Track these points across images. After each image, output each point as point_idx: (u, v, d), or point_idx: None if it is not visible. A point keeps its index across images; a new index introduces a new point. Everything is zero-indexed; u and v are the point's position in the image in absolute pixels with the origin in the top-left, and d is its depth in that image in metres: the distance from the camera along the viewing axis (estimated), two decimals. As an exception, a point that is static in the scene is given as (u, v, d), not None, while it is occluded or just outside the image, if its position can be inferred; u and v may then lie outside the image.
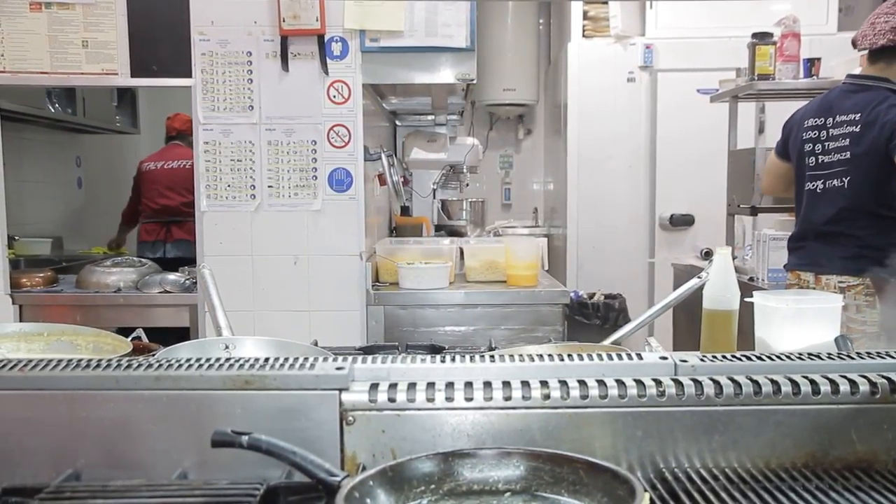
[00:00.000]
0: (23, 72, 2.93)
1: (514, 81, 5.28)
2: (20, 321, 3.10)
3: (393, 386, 1.07)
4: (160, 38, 2.95)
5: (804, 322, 1.51)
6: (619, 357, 1.14)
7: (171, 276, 3.30)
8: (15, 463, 1.06)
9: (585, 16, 4.94)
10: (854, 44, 2.68)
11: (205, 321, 2.99)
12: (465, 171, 4.66)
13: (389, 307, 3.06)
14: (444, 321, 3.05)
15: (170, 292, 3.23)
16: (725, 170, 3.90)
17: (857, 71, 2.77)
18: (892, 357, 1.15)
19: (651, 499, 0.97)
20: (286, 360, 1.13)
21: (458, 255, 3.44)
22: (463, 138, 4.70)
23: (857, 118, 2.59)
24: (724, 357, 1.15)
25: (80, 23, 2.91)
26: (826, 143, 2.69)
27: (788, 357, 1.16)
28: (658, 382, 1.07)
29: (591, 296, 4.41)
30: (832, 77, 3.35)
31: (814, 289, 2.65)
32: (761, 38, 3.50)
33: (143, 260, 3.60)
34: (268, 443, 0.96)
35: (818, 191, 2.70)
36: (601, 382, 1.07)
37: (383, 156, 3.33)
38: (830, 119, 2.67)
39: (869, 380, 1.08)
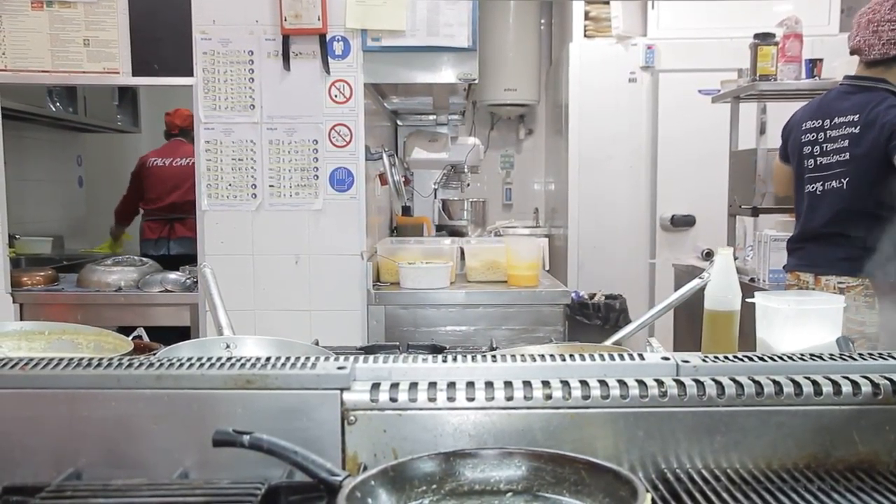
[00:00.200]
0: (24, 70, 2.93)
1: (516, 81, 5.28)
2: (21, 320, 3.10)
3: (394, 386, 1.07)
4: (162, 36, 2.95)
5: (806, 323, 1.50)
6: (621, 357, 1.14)
7: (172, 276, 3.30)
8: (16, 462, 1.06)
9: (587, 16, 4.94)
10: (857, 52, 2.65)
11: (206, 320, 2.99)
12: (466, 170, 4.66)
13: (390, 307, 3.06)
14: (444, 321, 3.05)
15: (171, 291, 3.23)
16: (727, 170, 3.91)
17: (854, 72, 2.75)
18: (895, 358, 1.15)
19: (653, 499, 0.97)
20: (287, 359, 1.13)
21: (459, 255, 3.44)
22: (464, 138, 4.70)
23: (855, 119, 2.58)
24: (726, 358, 1.15)
25: (82, 21, 2.91)
26: (824, 145, 2.69)
27: (790, 358, 1.16)
28: (660, 383, 1.07)
29: (592, 296, 4.41)
30: (834, 78, 3.34)
31: (813, 290, 2.65)
32: (763, 38, 3.50)
33: (143, 259, 3.60)
34: (269, 442, 0.96)
35: (818, 192, 2.70)
36: (603, 383, 1.07)
37: (384, 155, 3.33)
38: (828, 121, 2.67)
39: (871, 381, 1.08)
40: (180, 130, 4.60)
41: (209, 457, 1.03)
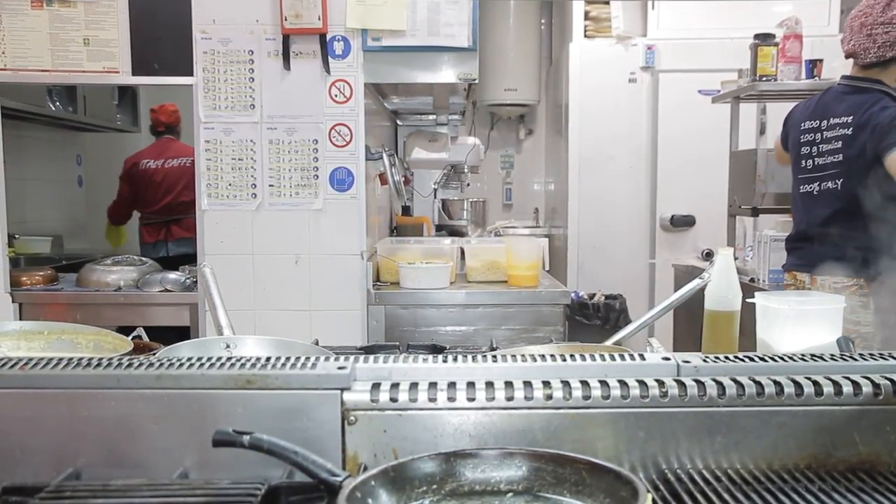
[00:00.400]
0: (24, 69, 2.93)
1: (516, 81, 5.28)
2: (20, 319, 3.10)
3: (395, 386, 1.07)
4: (162, 36, 2.95)
5: (806, 323, 1.50)
6: (622, 357, 1.14)
7: (172, 275, 3.29)
8: (15, 462, 1.06)
9: (587, 16, 4.94)
10: (852, 56, 2.66)
11: (205, 320, 2.99)
12: (466, 170, 4.66)
13: (390, 307, 3.06)
14: (444, 321, 3.05)
15: (170, 291, 3.23)
16: (727, 171, 3.90)
17: (850, 72, 2.76)
18: (895, 358, 1.15)
19: (653, 500, 0.97)
20: (288, 359, 1.12)
21: (459, 255, 3.44)
22: (464, 138, 4.70)
23: (849, 121, 2.59)
24: (726, 358, 1.15)
25: (82, 20, 2.91)
26: (820, 146, 2.70)
27: (791, 358, 1.16)
28: (661, 383, 1.07)
29: (592, 296, 4.41)
30: (834, 78, 3.34)
31: (809, 289, 2.66)
32: (763, 39, 3.50)
33: (143, 259, 3.60)
34: (269, 442, 0.96)
35: (814, 193, 2.72)
36: (604, 383, 1.07)
37: (384, 155, 3.33)
38: (825, 122, 2.68)
39: (872, 381, 1.07)
40: (166, 127, 4.56)
41: (209, 457, 1.03)
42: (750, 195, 3.56)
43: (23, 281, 3.26)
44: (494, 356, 1.17)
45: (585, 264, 4.93)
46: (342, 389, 1.06)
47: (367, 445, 1.05)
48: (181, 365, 1.10)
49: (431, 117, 4.88)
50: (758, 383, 1.07)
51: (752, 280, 3.41)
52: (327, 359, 1.13)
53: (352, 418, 1.05)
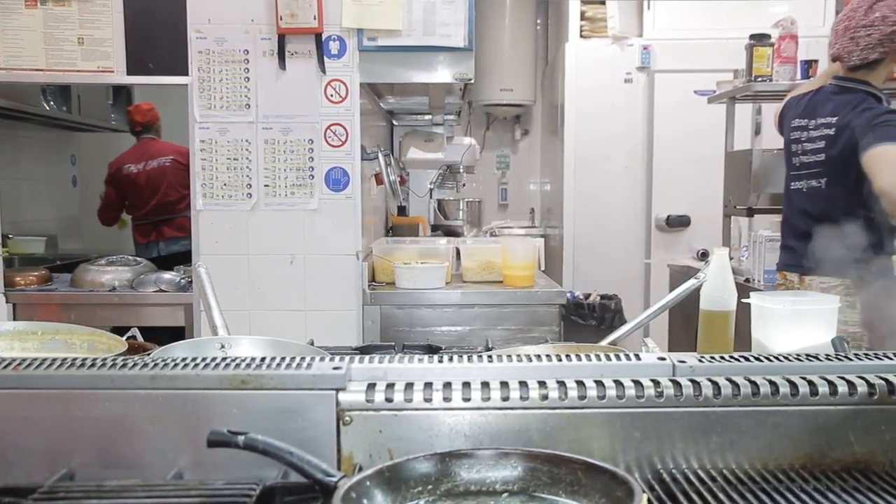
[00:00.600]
0: (18, 69, 2.92)
1: (512, 82, 5.28)
2: (14, 320, 3.09)
3: (390, 386, 1.07)
4: (156, 35, 2.94)
5: (801, 323, 1.51)
6: (617, 357, 1.14)
7: (167, 275, 3.29)
8: (9, 462, 1.06)
9: (583, 16, 4.94)
10: (837, 59, 2.68)
11: (200, 320, 2.98)
12: (461, 171, 4.66)
13: (386, 307, 3.06)
14: (440, 321, 3.05)
15: (165, 291, 3.22)
16: (722, 171, 3.91)
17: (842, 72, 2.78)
18: (890, 358, 1.15)
19: (649, 500, 0.96)
20: (283, 359, 1.12)
21: (455, 255, 3.43)
22: (460, 138, 4.70)
23: (833, 121, 2.62)
24: (721, 358, 1.15)
25: (76, 20, 2.90)
26: (806, 145, 2.73)
27: (786, 358, 1.16)
28: (656, 383, 1.07)
29: (587, 296, 4.40)
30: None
31: (798, 289, 2.68)
32: (759, 39, 3.50)
33: (138, 259, 3.59)
34: (264, 443, 0.96)
35: (803, 190, 2.75)
36: (599, 383, 1.07)
37: (380, 155, 3.32)
38: (812, 121, 2.71)
39: (867, 381, 1.08)
40: (143, 127, 4.53)
41: (204, 457, 1.03)
42: (745, 195, 3.56)
43: (17, 281, 3.25)
44: (490, 356, 1.17)
45: (581, 264, 4.94)
46: (337, 390, 1.06)
47: (363, 446, 1.05)
48: (176, 365, 1.09)
49: (427, 117, 4.87)
50: (753, 383, 1.07)
51: (747, 280, 3.42)
52: (322, 359, 1.12)
53: (347, 418, 1.05)
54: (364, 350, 1.79)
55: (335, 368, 1.08)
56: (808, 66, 3.48)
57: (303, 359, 1.12)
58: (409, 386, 1.07)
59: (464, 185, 5.26)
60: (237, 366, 1.09)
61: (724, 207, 3.85)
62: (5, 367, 1.09)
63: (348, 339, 2.98)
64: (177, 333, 3.06)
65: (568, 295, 4.17)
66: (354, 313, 3.04)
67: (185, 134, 3.02)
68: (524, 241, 3.71)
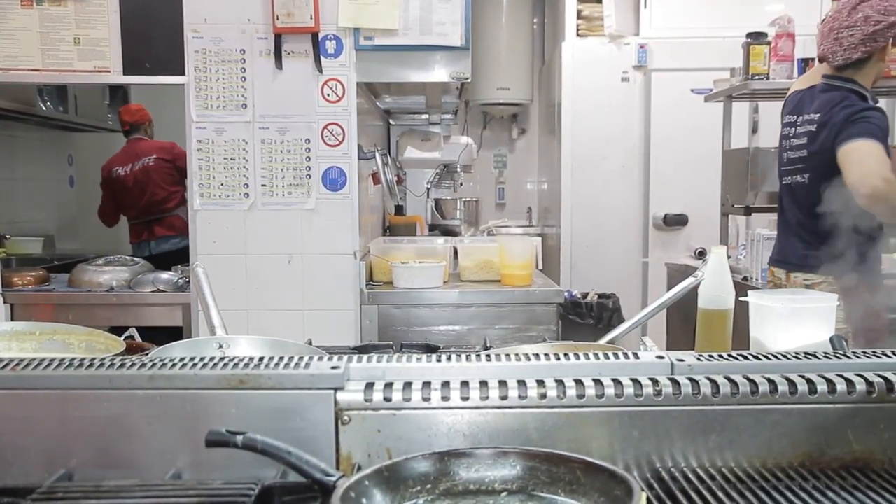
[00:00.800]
0: (14, 69, 2.91)
1: (509, 81, 5.28)
2: (12, 320, 3.09)
3: (388, 385, 1.07)
4: (153, 35, 2.93)
5: (799, 321, 1.51)
6: (616, 356, 1.14)
7: (164, 275, 3.28)
8: (7, 463, 1.05)
9: (580, 15, 4.94)
10: (823, 60, 2.70)
11: (198, 320, 2.98)
12: (459, 170, 4.66)
13: (383, 306, 3.06)
14: (438, 320, 3.05)
15: (163, 291, 3.22)
16: (719, 169, 3.91)
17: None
18: (889, 356, 1.15)
19: (648, 498, 0.96)
20: (281, 359, 1.12)
21: (453, 255, 3.43)
22: (457, 137, 4.70)
23: (816, 118, 2.64)
24: (720, 356, 1.15)
25: (72, 20, 2.90)
26: (792, 140, 2.77)
27: (785, 356, 1.16)
28: (655, 382, 1.07)
29: (585, 295, 4.41)
30: (826, 77, 3.36)
31: (784, 285, 2.70)
32: (756, 38, 3.51)
33: (135, 259, 3.59)
34: (263, 442, 0.96)
35: (792, 185, 2.78)
36: (598, 382, 1.07)
37: (377, 154, 3.32)
38: (800, 118, 2.74)
39: (865, 379, 1.08)
40: (132, 127, 4.53)
41: (202, 457, 1.03)
42: (743, 194, 3.56)
43: (14, 281, 3.25)
44: (488, 355, 1.17)
45: (578, 263, 4.94)
46: (336, 389, 1.06)
47: (361, 445, 1.05)
48: (174, 365, 1.09)
49: (424, 116, 4.87)
50: (752, 381, 1.07)
51: (745, 279, 3.42)
52: (321, 358, 1.12)
53: (345, 418, 1.05)
54: (362, 349, 1.79)
55: (333, 368, 1.08)
56: (805, 64, 3.48)
57: (301, 358, 1.12)
58: (408, 385, 1.07)
59: (461, 184, 5.26)
60: (235, 366, 1.09)
61: (722, 206, 3.85)
62: (3, 367, 1.09)
63: (346, 338, 2.98)
64: (174, 333, 3.06)
65: (566, 294, 4.17)
66: (352, 313, 3.03)
67: (183, 134, 3.01)
68: (522, 240, 3.71)
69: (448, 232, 4.77)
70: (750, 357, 1.15)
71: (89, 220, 4.83)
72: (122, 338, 1.62)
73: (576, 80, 4.87)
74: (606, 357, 1.13)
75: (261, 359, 1.12)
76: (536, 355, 1.17)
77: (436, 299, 3.06)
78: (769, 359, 1.15)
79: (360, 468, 1.02)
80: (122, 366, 1.09)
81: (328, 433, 1.05)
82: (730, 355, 1.16)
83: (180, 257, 3.99)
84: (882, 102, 2.86)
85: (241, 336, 1.58)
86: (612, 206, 4.94)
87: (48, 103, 4.28)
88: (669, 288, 1.91)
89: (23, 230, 4.47)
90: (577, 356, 1.14)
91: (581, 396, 1.05)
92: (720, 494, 0.97)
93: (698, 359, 1.13)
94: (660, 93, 4.82)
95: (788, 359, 1.15)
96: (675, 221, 4.85)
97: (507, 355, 1.16)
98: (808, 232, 2.68)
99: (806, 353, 1.17)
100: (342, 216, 3.02)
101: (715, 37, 4.57)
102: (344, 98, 2.98)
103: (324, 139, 2.99)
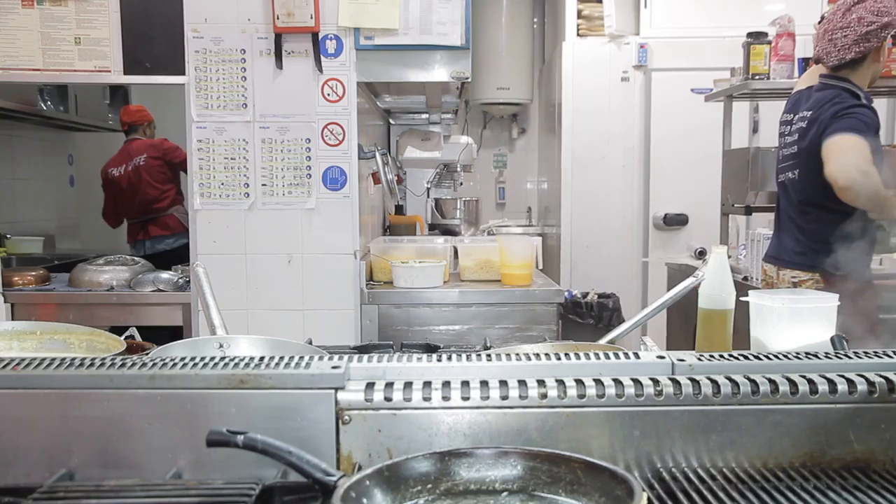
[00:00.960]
0: (15, 69, 2.91)
1: (509, 80, 5.28)
2: (12, 320, 3.09)
3: (389, 385, 1.07)
4: (153, 35, 2.93)
5: (800, 321, 1.50)
6: (616, 356, 1.14)
7: (165, 275, 3.28)
8: (8, 462, 1.05)
9: (580, 15, 4.94)
10: (818, 61, 2.73)
11: (198, 320, 2.98)
12: (459, 169, 4.65)
13: (383, 306, 3.06)
14: (438, 320, 3.05)
15: (163, 291, 3.22)
16: (719, 169, 3.91)
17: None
18: (890, 356, 1.15)
19: (649, 499, 0.96)
20: (281, 358, 1.12)
21: (453, 254, 3.43)
22: (457, 137, 4.69)
23: (808, 115, 2.67)
24: (721, 356, 1.15)
25: (73, 19, 2.90)
26: (787, 138, 2.80)
27: (786, 356, 1.16)
28: (655, 382, 1.07)
29: (585, 295, 4.41)
30: (826, 77, 3.36)
31: (775, 282, 2.72)
32: (756, 37, 3.51)
33: (135, 258, 3.59)
34: (263, 442, 0.96)
35: (785, 182, 2.82)
36: (598, 382, 1.07)
37: (377, 154, 3.32)
38: (795, 116, 2.78)
39: (867, 379, 1.08)
40: (130, 127, 4.55)
41: (203, 457, 1.03)
42: (743, 193, 3.56)
43: (15, 281, 3.25)
44: (489, 355, 1.17)
45: (578, 263, 4.94)
46: (336, 389, 1.06)
47: (362, 445, 1.05)
48: (174, 365, 1.09)
49: (424, 116, 4.86)
50: (752, 381, 1.07)
51: (745, 278, 3.42)
52: (321, 358, 1.12)
53: (346, 418, 1.05)
54: (362, 349, 1.79)
55: (334, 368, 1.08)
56: (806, 64, 3.47)
57: (301, 358, 1.12)
58: (408, 385, 1.07)
59: (461, 183, 5.26)
60: (236, 365, 1.09)
61: (722, 206, 3.85)
62: (4, 367, 1.09)
63: (346, 338, 2.98)
64: (175, 333, 3.06)
65: (566, 294, 4.18)
66: (352, 312, 3.03)
67: (183, 134, 3.01)
68: (522, 239, 3.70)
69: (448, 232, 4.77)
70: (751, 357, 1.15)
71: (89, 220, 4.84)
72: (123, 337, 1.62)
73: (576, 80, 4.87)
74: (607, 357, 1.13)
75: (261, 358, 1.12)
76: (537, 355, 1.17)
77: (436, 299, 3.06)
78: (770, 359, 1.15)
79: (360, 468, 1.02)
80: (122, 365, 1.09)
81: (329, 433, 1.05)
82: (730, 355, 1.16)
83: (175, 257, 3.99)
84: (882, 102, 2.87)
85: (242, 336, 1.58)
86: (613, 206, 4.94)
87: (49, 103, 4.28)
88: (669, 288, 1.91)
89: (23, 230, 4.47)
90: (577, 356, 1.14)
91: (582, 396, 1.05)
92: (721, 494, 0.97)
93: (699, 359, 1.13)
94: (660, 92, 4.82)
95: (789, 359, 1.15)
96: (676, 221, 4.85)
97: (508, 355, 1.16)
98: (799, 229, 2.70)
99: (807, 353, 1.17)
100: (342, 216, 3.02)
101: (715, 36, 4.57)
102: (344, 98, 2.98)
103: (324, 139, 2.99)
